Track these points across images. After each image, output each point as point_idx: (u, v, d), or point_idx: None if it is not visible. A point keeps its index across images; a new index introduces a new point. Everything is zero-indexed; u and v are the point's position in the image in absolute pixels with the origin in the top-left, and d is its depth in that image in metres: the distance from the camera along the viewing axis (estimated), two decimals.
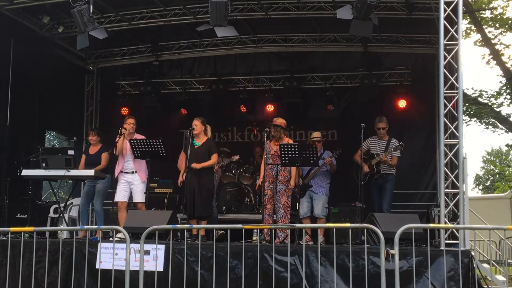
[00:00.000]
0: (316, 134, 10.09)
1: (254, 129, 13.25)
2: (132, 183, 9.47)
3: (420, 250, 6.99)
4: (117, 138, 9.38)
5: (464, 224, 7.48)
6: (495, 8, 18.95)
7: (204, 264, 7.25)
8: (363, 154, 9.31)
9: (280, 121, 9.40)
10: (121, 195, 9.50)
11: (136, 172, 9.45)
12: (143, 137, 9.47)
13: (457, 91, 7.88)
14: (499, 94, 20.07)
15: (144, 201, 9.47)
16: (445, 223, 7.73)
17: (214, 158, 9.27)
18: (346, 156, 9.83)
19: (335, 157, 9.71)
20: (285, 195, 9.02)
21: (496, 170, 38.48)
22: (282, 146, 8.68)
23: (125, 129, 9.45)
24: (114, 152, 9.47)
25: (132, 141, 9.16)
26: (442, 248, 7.19)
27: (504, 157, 40.10)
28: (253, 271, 7.06)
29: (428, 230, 7.19)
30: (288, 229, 8.62)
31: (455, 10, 7.95)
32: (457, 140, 7.81)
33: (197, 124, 9.25)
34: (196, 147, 9.18)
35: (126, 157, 9.51)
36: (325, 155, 9.80)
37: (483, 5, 18.81)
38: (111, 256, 7.28)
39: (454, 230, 7.66)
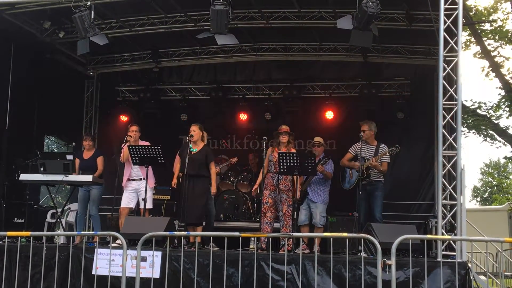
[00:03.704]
0: (318, 139, 10.04)
1: (253, 137, 13.25)
2: (139, 189, 9.45)
3: (417, 261, 6.98)
4: (123, 145, 9.39)
5: (461, 235, 7.47)
6: (495, 21, 19.02)
7: (200, 272, 7.24)
8: (350, 160, 9.41)
9: (284, 127, 9.42)
10: (125, 201, 9.50)
11: (143, 179, 9.38)
12: (147, 143, 9.47)
13: (456, 102, 7.89)
14: (498, 106, 20.10)
15: (151, 207, 9.49)
16: (443, 234, 7.71)
17: (213, 167, 9.34)
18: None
19: (324, 163, 9.65)
20: (286, 203, 9.02)
21: (494, 182, 38.45)
22: (280, 154, 8.68)
23: (130, 136, 9.45)
24: (120, 159, 9.52)
25: (130, 147, 9.15)
26: (439, 259, 7.17)
27: (502, 169, 40.11)
28: (250, 280, 7.06)
29: (425, 241, 7.19)
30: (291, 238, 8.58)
31: (455, 22, 7.97)
32: (455, 152, 7.80)
33: (195, 130, 9.27)
34: (193, 153, 9.19)
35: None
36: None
37: (483, 18, 18.87)
38: (108, 262, 7.28)
39: (451, 241, 7.66)
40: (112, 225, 10.07)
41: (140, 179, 9.45)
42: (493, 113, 20.39)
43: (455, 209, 7.72)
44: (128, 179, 9.57)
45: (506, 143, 20.66)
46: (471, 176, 50.09)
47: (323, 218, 9.57)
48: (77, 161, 9.98)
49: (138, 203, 9.45)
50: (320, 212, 9.55)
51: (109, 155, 10.55)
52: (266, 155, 9.27)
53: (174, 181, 9.44)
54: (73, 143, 12.98)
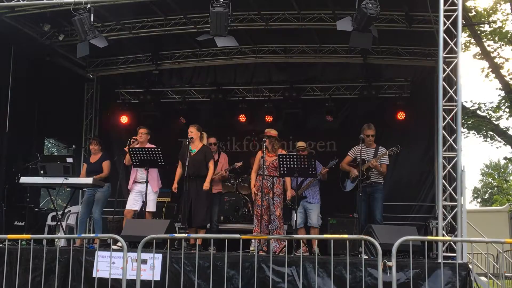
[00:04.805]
0: (301, 143, 10.11)
1: (253, 139, 13.24)
2: (144, 192, 9.41)
3: (417, 263, 6.99)
4: (126, 148, 9.39)
5: (462, 237, 7.47)
6: (495, 22, 19.05)
7: (201, 274, 7.24)
8: (350, 162, 9.46)
9: (273, 132, 9.43)
10: (130, 204, 9.51)
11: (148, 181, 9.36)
12: (153, 146, 9.44)
13: (456, 103, 7.89)
14: (498, 107, 20.11)
15: (154, 210, 9.48)
16: (443, 235, 7.72)
17: (212, 165, 9.29)
18: None
19: (333, 166, 9.74)
20: (279, 206, 9.11)
21: (495, 183, 38.45)
22: (280, 156, 8.69)
23: (135, 139, 9.45)
24: (125, 162, 9.52)
25: (131, 149, 9.15)
26: (439, 260, 7.18)
27: (502, 170, 40.09)
28: (251, 282, 7.05)
29: (426, 242, 7.18)
30: (285, 240, 8.60)
31: (454, 23, 7.98)
32: (456, 153, 7.80)
33: (192, 131, 9.30)
34: (192, 154, 9.20)
35: None
36: None
37: (483, 19, 18.89)
38: (108, 264, 7.27)
39: (451, 242, 7.65)
40: (112, 227, 10.06)
41: (146, 182, 9.44)
42: (493, 114, 20.41)
43: (455, 210, 7.72)
44: (134, 181, 9.58)
45: (506, 143, 20.68)
46: (471, 177, 50.18)
47: (319, 218, 9.76)
48: (85, 165, 10.00)
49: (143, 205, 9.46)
50: (317, 213, 9.74)
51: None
52: (255, 159, 9.34)
53: (175, 185, 9.41)
54: (73, 146, 12.96)
